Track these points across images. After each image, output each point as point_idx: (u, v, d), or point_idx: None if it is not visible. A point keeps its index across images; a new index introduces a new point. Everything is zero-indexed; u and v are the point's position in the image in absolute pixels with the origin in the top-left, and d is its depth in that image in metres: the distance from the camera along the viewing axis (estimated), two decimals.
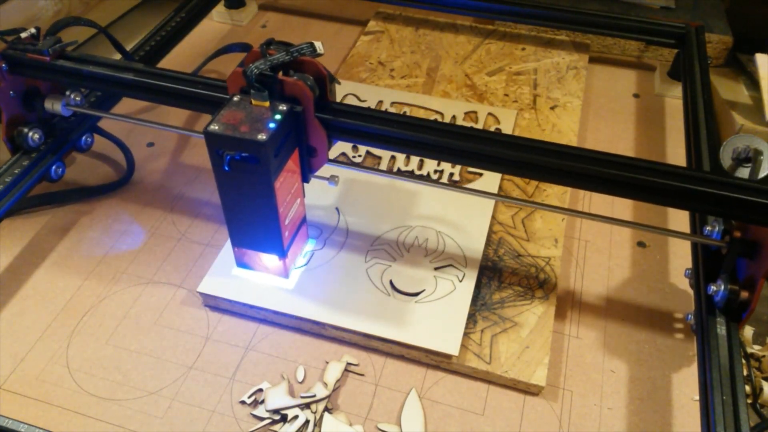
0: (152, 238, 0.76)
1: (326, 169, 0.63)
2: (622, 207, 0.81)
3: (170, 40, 0.94)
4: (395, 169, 0.81)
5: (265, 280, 0.68)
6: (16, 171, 0.72)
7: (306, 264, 0.69)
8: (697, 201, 0.55)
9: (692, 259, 0.67)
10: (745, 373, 0.61)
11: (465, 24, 1.11)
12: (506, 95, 0.96)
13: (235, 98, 0.57)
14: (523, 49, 1.05)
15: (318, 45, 0.56)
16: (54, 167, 0.76)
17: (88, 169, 0.86)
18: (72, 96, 0.75)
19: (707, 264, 0.63)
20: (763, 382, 0.63)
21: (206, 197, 0.82)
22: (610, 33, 1.00)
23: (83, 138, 0.80)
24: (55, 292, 0.70)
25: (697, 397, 0.61)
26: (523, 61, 1.02)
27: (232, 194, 0.59)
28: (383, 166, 0.82)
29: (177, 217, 0.79)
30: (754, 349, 0.67)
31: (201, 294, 0.67)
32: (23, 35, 0.71)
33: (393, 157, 0.83)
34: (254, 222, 0.61)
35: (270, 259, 0.65)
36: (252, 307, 0.66)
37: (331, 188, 0.77)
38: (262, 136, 0.53)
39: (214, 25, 1.16)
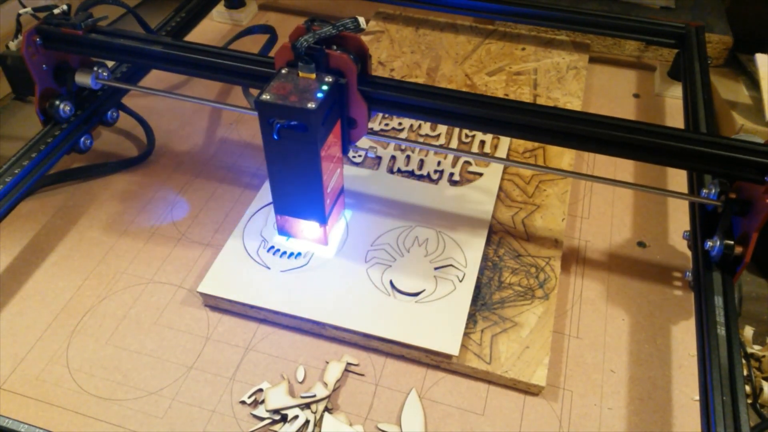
0: (152, 238, 0.76)
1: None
2: (622, 205, 0.81)
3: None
4: (395, 169, 0.81)
5: (305, 247, 0.71)
6: (49, 140, 0.75)
7: (306, 264, 0.70)
8: (694, 160, 0.60)
9: (690, 218, 0.71)
10: (745, 373, 0.61)
11: (465, 24, 1.11)
12: (506, 95, 0.96)
13: (283, 71, 0.60)
14: (523, 49, 1.05)
15: (361, 20, 0.59)
16: (83, 139, 0.79)
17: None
18: (100, 71, 0.78)
19: (704, 223, 0.67)
20: (763, 382, 0.63)
21: (207, 197, 0.82)
22: (610, 33, 1.00)
23: (109, 113, 0.84)
24: (55, 292, 0.70)
25: (697, 397, 0.61)
26: (523, 61, 1.02)
27: (279, 162, 0.62)
28: (383, 166, 0.82)
29: (177, 217, 0.79)
30: (754, 349, 0.67)
31: (201, 294, 0.67)
32: (55, 11, 0.73)
33: (393, 158, 0.83)
34: (298, 189, 0.64)
35: (310, 227, 0.68)
36: (252, 307, 0.66)
37: None
38: (311, 105, 0.56)
39: (214, 25, 1.16)
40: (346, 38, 0.60)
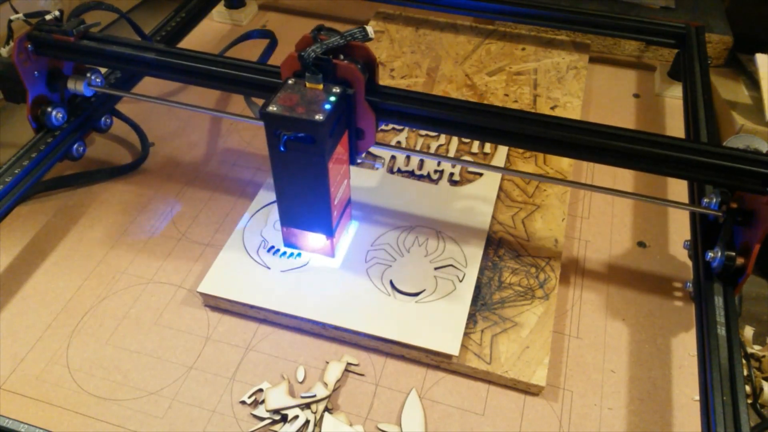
0: (152, 238, 0.76)
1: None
2: (622, 205, 0.81)
3: (170, 40, 0.94)
4: (395, 169, 0.81)
5: (311, 259, 0.70)
6: (41, 148, 0.74)
7: (306, 264, 0.70)
8: (695, 170, 0.59)
9: (690, 229, 0.70)
10: (745, 373, 0.61)
11: (465, 24, 1.11)
12: (506, 95, 0.96)
13: (290, 81, 0.59)
14: (523, 49, 1.05)
15: (369, 29, 0.58)
16: (76, 146, 0.79)
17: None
18: (93, 77, 0.78)
19: (705, 233, 0.66)
20: (763, 382, 0.63)
21: (206, 197, 0.82)
22: (610, 33, 1.00)
23: (102, 119, 0.83)
24: (55, 292, 0.70)
25: (697, 397, 0.61)
26: (523, 61, 1.02)
27: (286, 175, 0.61)
28: (383, 166, 0.82)
29: (177, 217, 0.79)
30: (754, 349, 0.67)
31: (201, 294, 0.67)
32: (47, 17, 0.73)
33: (393, 158, 0.83)
34: (305, 202, 0.63)
35: (317, 239, 0.68)
36: (252, 307, 0.66)
37: None
38: (319, 117, 0.55)
39: (214, 25, 1.16)
40: (353, 47, 0.59)
